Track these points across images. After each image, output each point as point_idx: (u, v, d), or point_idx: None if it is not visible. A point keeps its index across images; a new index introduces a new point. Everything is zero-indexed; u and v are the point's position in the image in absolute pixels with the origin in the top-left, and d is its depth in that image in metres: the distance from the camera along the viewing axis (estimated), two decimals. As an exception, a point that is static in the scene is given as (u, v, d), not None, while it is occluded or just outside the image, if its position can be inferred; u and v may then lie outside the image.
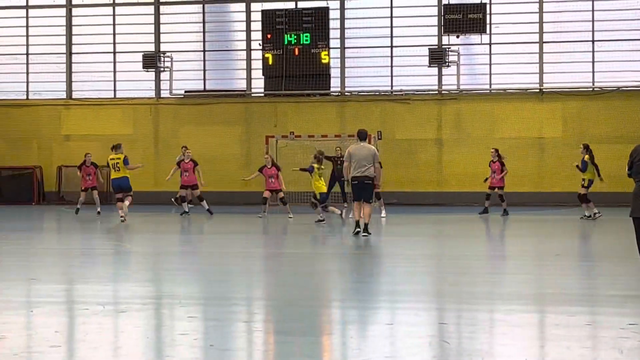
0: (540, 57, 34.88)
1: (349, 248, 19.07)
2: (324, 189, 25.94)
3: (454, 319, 10.44)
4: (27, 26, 38.09)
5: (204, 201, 28.42)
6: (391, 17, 35.73)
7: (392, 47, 35.76)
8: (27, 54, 38.09)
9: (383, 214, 27.15)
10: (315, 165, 25.50)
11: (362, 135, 20.69)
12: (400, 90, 35.55)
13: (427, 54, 34.68)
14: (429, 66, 34.85)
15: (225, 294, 12.29)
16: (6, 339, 9.00)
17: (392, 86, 35.78)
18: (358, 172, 20.18)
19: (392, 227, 23.97)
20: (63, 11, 37.93)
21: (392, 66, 35.80)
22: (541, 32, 34.82)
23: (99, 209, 28.75)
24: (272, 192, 27.84)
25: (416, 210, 31.11)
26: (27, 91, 38.25)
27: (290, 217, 26.92)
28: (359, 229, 20.19)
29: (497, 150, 28.48)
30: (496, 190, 28.03)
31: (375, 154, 20.49)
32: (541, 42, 34.82)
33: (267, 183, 27.78)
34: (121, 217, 25.66)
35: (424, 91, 35.60)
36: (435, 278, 14.27)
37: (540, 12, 34.77)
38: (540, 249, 18.96)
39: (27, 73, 38.18)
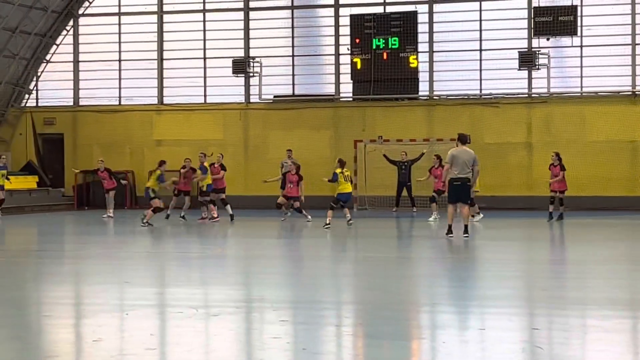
0: (633, 59, 34.26)
1: (438, 252, 19.00)
2: (349, 189, 25.87)
3: (546, 325, 10.35)
4: (119, 33, 38.67)
5: (228, 205, 28.27)
6: (480, 20, 35.45)
7: (481, 50, 35.46)
8: (120, 61, 38.68)
9: (477, 218, 27.05)
10: (338, 170, 25.54)
11: (464, 139, 20.98)
12: (490, 94, 35.28)
13: (517, 57, 34.32)
14: (519, 69, 34.48)
15: (315, 297, 12.35)
16: (102, 341, 9.19)
17: (481, 90, 35.50)
18: (460, 174, 20.45)
19: (481, 231, 23.81)
20: (154, 18, 38.44)
21: (481, 70, 35.51)
22: (634, 34, 34.21)
23: (183, 214, 28.82)
24: (288, 199, 27.89)
25: (506, 214, 30.82)
26: (120, 97, 38.83)
27: (309, 221, 26.76)
28: (451, 234, 20.26)
29: (557, 154, 28.16)
30: (557, 194, 27.67)
31: (476, 158, 20.79)
32: (634, 44, 34.21)
33: (286, 188, 28.01)
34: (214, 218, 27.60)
35: (514, 94, 35.26)
36: (527, 283, 14.15)
37: (633, 13, 34.16)
38: (634, 254, 18.67)
39: (120, 79, 38.76)
